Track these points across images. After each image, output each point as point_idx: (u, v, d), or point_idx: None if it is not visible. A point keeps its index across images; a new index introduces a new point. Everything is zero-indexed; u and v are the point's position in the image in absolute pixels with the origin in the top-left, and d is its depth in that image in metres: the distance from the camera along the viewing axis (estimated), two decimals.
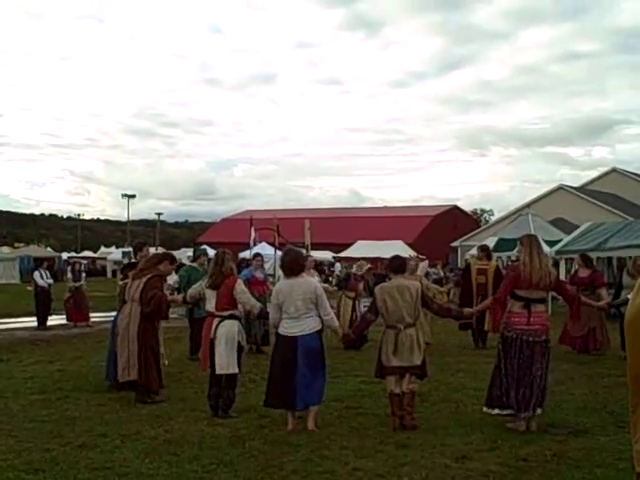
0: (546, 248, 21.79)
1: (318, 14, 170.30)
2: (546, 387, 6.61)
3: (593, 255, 18.80)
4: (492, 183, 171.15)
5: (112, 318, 9.52)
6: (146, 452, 5.82)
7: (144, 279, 7.95)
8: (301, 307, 6.56)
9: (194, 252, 12.69)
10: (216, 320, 7.17)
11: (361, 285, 13.64)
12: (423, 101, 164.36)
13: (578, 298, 7.20)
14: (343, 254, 41.54)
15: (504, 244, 24.73)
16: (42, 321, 17.13)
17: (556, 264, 19.42)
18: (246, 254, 25.22)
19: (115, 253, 53.38)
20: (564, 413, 6.93)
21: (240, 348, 7.25)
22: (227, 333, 7.09)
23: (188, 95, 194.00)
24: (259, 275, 12.49)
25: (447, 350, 12.14)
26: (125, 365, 7.84)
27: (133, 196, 66.96)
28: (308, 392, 6.51)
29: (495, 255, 26.45)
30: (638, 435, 3.51)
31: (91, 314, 18.26)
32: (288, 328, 6.63)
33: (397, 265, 7.02)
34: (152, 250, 8.71)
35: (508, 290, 6.71)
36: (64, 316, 18.05)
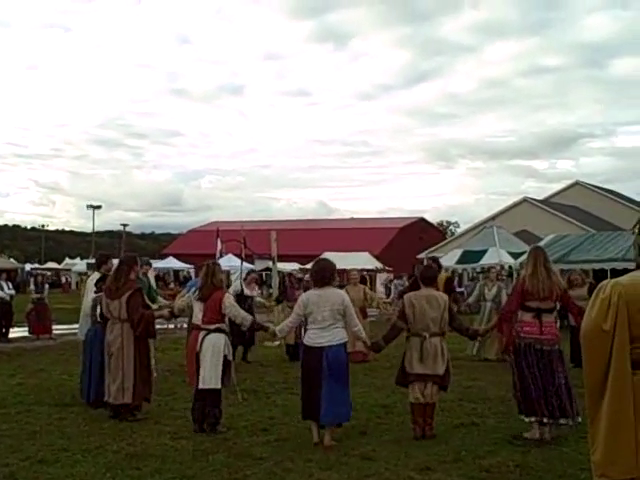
0: (510, 260, 22.08)
1: (287, 26, 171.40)
2: (572, 395, 6.60)
3: (557, 267, 19.07)
4: (459, 195, 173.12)
5: (76, 331, 9.32)
6: (108, 466, 5.73)
7: (123, 298, 7.63)
8: (328, 318, 6.53)
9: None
10: (202, 333, 7.01)
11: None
12: (390, 113, 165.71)
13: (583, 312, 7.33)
14: (310, 265, 41.49)
15: (470, 256, 24.97)
16: (4, 333, 16.84)
17: (518, 275, 19.69)
18: None
19: (80, 264, 52.82)
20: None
21: (228, 362, 7.09)
22: (213, 347, 6.94)
23: (155, 105, 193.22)
24: None
25: None
26: (119, 387, 7.55)
27: (99, 207, 66.50)
28: (337, 406, 6.45)
29: (460, 267, 26.79)
30: (595, 446, 3.56)
31: (54, 326, 17.98)
32: (315, 338, 6.57)
33: (429, 276, 7.19)
34: (115, 262, 8.42)
35: (516, 305, 6.79)
36: (26, 328, 17.77)
